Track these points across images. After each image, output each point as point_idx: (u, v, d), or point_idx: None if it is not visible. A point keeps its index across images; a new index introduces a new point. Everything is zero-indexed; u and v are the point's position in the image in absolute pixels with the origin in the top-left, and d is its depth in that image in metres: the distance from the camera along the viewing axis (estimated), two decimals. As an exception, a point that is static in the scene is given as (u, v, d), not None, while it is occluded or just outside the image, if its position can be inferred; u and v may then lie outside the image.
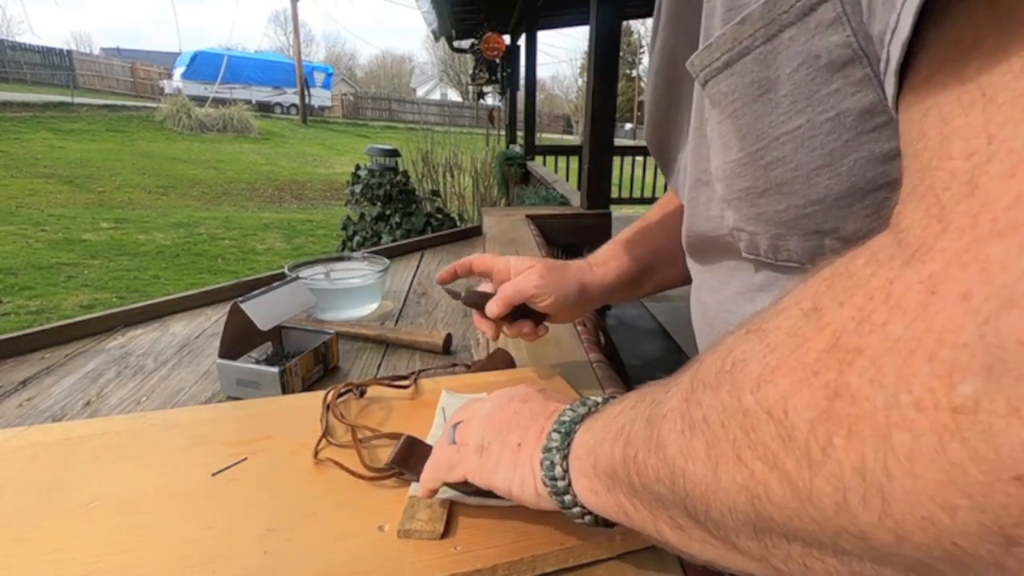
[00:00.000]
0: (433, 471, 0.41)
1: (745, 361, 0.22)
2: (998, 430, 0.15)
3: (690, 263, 0.51)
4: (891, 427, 0.16)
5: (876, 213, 0.31)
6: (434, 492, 0.42)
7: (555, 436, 0.35)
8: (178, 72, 22.12)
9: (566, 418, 0.36)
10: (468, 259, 0.65)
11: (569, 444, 0.35)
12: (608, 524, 0.35)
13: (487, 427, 0.40)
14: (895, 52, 0.21)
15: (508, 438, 0.38)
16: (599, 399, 0.37)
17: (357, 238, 4.40)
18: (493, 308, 0.60)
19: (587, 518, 0.34)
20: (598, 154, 2.32)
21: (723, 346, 0.25)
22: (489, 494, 0.41)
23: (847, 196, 0.31)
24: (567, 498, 0.34)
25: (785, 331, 0.21)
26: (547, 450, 0.35)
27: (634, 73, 33.73)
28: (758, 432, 0.21)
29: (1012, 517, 0.15)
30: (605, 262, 0.65)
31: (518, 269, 0.62)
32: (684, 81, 0.47)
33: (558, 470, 0.34)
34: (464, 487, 0.41)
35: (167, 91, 20.39)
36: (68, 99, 15.16)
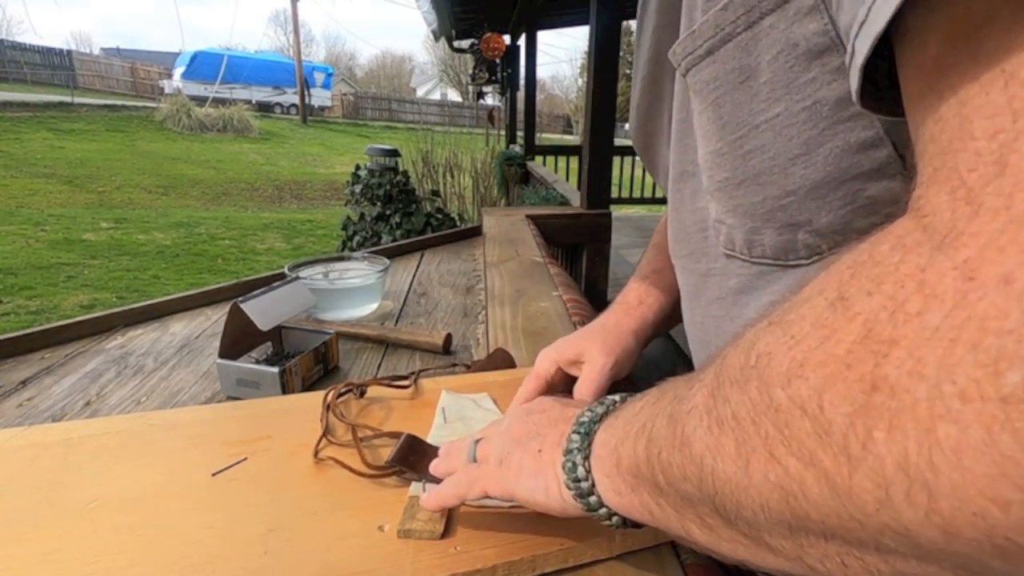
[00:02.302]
0: (452, 489, 0.40)
1: (770, 355, 0.22)
2: None
3: (675, 267, 0.51)
4: (935, 419, 0.16)
5: (850, 204, 0.31)
6: (445, 508, 0.41)
7: (575, 438, 0.35)
8: (178, 72, 22.12)
9: (585, 419, 0.36)
10: (526, 396, 0.57)
11: (590, 444, 0.34)
12: (637, 525, 0.34)
13: (506, 440, 0.39)
14: (862, 46, 0.21)
15: (528, 446, 0.38)
16: (616, 398, 0.37)
17: (357, 238, 4.40)
18: None
19: (615, 519, 0.33)
20: (598, 154, 2.32)
21: (745, 340, 0.24)
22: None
23: (822, 186, 0.31)
24: (592, 499, 0.33)
25: (810, 322, 0.21)
26: (568, 452, 0.34)
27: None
28: (792, 428, 0.20)
29: None
30: (642, 301, 0.62)
31: (565, 360, 0.58)
32: (666, 76, 0.47)
33: (580, 471, 0.33)
34: None
35: (167, 91, 20.39)
36: (68, 99, 15.16)
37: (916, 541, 0.17)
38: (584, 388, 0.56)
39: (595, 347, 0.57)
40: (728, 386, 0.24)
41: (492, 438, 0.41)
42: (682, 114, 0.42)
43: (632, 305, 0.62)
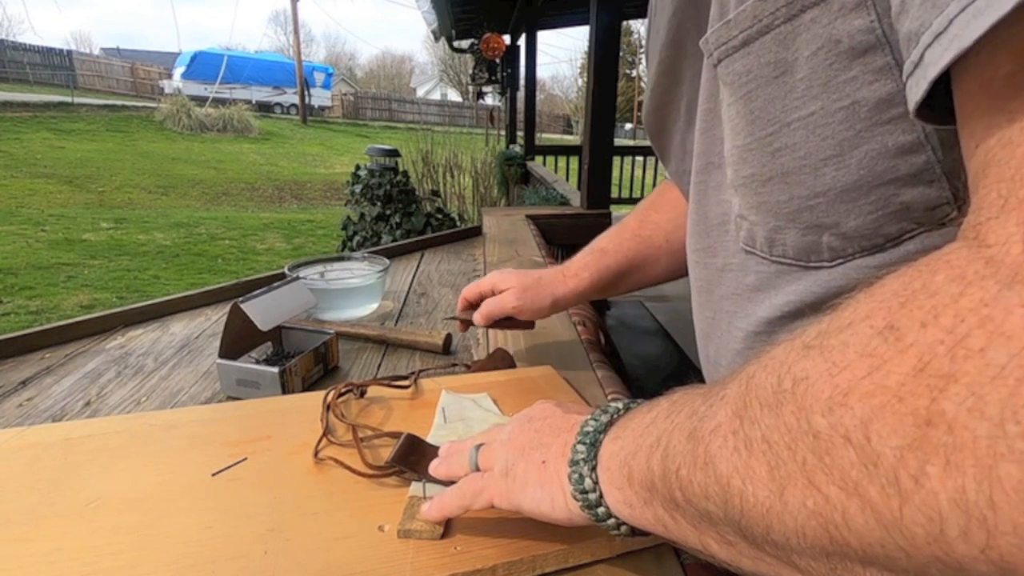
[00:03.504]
0: (458, 500, 0.40)
1: (808, 380, 0.21)
2: None
3: (689, 259, 0.51)
4: (996, 459, 0.16)
5: (881, 209, 0.30)
6: (447, 518, 0.41)
7: (580, 448, 0.34)
8: (178, 72, 22.13)
9: (589, 428, 0.35)
10: (466, 294, 0.75)
11: (596, 455, 0.33)
12: (645, 534, 0.33)
13: (509, 449, 0.39)
14: (937, 59, 0.20)
15: (532, 457, 0.37)
16: (619, 406, 0.36)
17: (357, 238, 4.40)
18: (477, 319, 0.71)
19: (623, 528, 0.33)
20: (598, 154, 2.32)
21: (775, 360, 0.23)
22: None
23: (853, 190, 0.30)
24: (600, 511, 0.32)
25: (855, 350, 0.20)
26: (574, 463, 0.34)
27: (634, 73, 33.71)
28: (833, 457, 0.20)
29: None
30: (577, 274, 0.70)
31: (498, 288, 0.71)
32: (684, 61, 0.46)
33: (588, 482, 0.33)
34: None
35: (167, 91, 20.40)
36: (68, 99, 15.17)
37: (967, 574, 0.17)
38: (481, 310, 0.70)
39: (515, 291, 0.69)
40: (757, 408, 0.23)
41: (494, 446, 0.40)
42: (709, 104, 0.41)
43: (570, 274, 0.70)
